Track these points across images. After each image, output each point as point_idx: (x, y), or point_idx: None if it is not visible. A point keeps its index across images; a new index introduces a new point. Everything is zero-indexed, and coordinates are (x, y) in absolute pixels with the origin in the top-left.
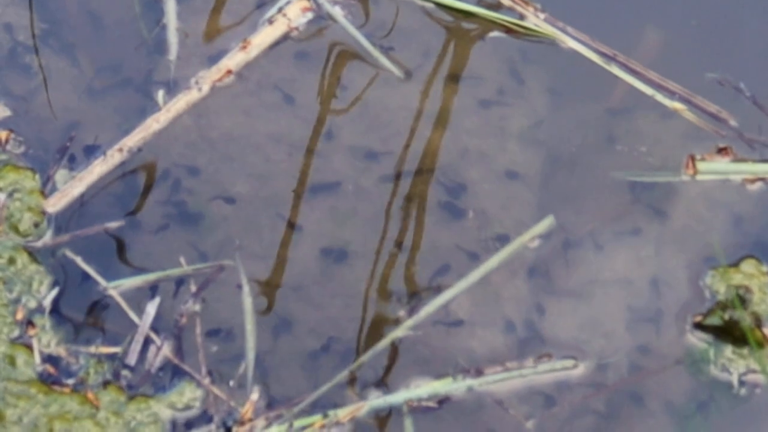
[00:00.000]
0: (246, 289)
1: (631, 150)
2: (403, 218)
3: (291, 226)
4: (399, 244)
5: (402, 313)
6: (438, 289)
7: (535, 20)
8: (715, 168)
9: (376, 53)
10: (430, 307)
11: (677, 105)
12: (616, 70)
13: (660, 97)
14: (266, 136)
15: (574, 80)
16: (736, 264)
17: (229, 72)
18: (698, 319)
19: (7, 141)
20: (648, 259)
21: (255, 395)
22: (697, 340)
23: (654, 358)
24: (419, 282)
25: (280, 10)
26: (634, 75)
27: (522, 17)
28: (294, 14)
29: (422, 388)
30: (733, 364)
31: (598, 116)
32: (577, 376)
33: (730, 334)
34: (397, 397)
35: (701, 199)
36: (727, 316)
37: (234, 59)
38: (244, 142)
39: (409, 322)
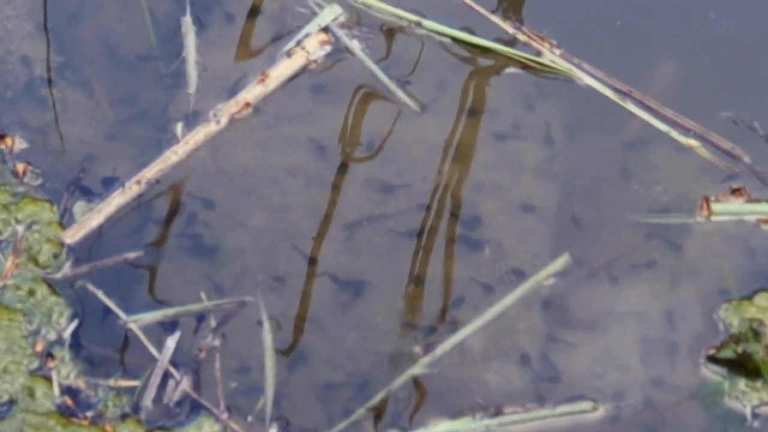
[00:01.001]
0: (266, 326)
1: (646, 188)
2: (418, 251)
3: (307, 259)
4: (415, 277)
5: (418, 349)
6: (454, 323)
7: (551, 56)
8: (729, 209)
9: (393, 87)
10: (446, 345)
11: (692, 142)
12: (631, 107)
13: (675, 134)
14: (282, 169)
15: (589, 114)
16: (749, 297)
17: (248, 105)
18: (712, 352)
19: (24, 173)
20: (662, 292)
21: (273, 431)
22: (711, 373)
23: (668, 391)
24: (435, 315)
25: (298, 43)
26: (649, 111)
27: (538, 53)
28: (312, 47)
29: (440, 427)
30: (747, 397)
31: (613, 150)
32: (592, 411)
33: (743, 367)
34: None
35: (716, 233)
36: (740, 349)
37: (252, 92)
38: (260, 175)
39: (425, 360)
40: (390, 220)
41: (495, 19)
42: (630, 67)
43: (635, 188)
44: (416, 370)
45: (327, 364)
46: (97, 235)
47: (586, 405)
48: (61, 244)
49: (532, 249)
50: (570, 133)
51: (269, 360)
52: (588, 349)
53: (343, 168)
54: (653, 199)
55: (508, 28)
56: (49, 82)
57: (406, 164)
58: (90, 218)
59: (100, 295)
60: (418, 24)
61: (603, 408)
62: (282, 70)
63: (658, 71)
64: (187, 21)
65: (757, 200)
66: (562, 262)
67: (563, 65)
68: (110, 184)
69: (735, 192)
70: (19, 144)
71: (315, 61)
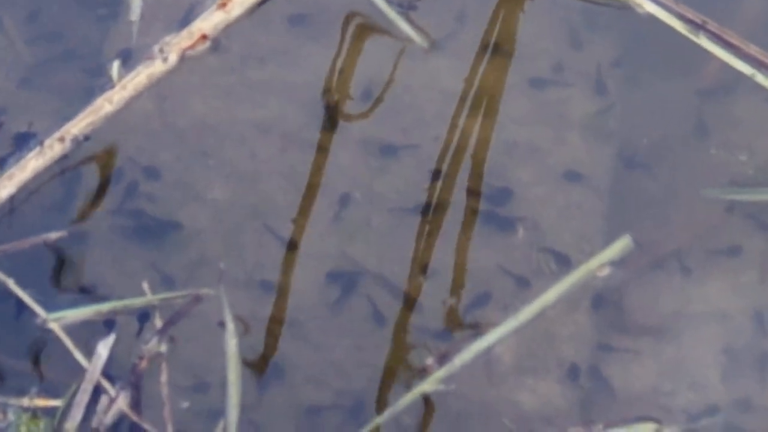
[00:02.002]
0: (230, 327)
1: (728, 152)
2: (430, 233)
3: (284, 243)
4: (425, 267)
5: (430, 361)
6: (476, 327)
7: None
8: None
9: (393, 15)
10: (467, 354)
11: None
12: (705, 43)
13: (761, 78)
14: (252, 126)
15: (653, 54)
16: None
17: (204, 37)
18: None
19: None
20: (750, 287)
21: None
22: None
23: (758, 415)
24: (452, 317)
25: None
26: (729, 49)
27: None
28: None
29: None
30: None
31: (685, 101)
32: None
33: None
34: None
35: None
36: None
37: (210, 21)
38: (222, 133)
39: (440, 373)
40: (393, 193)
41: None
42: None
43: (713, 153)
44: (428, 386)
45: (310, 380)
46: (8, 210)
47: (647, 428)
48: None
49: (580, 230)
50: (628, 79)
51: (233, 372)
52: (653, 362)
53: (331, 124)
54: (737, 166)
55: None
56: None
57: (413, 119)
58: None
59: (12, 285)
60: None
61: (668, 430)
62: None
63: (743, 3)
64: None
65: None
66: (621, 246)
67: None
68: (25, 142)
69: None
70: None
71: None
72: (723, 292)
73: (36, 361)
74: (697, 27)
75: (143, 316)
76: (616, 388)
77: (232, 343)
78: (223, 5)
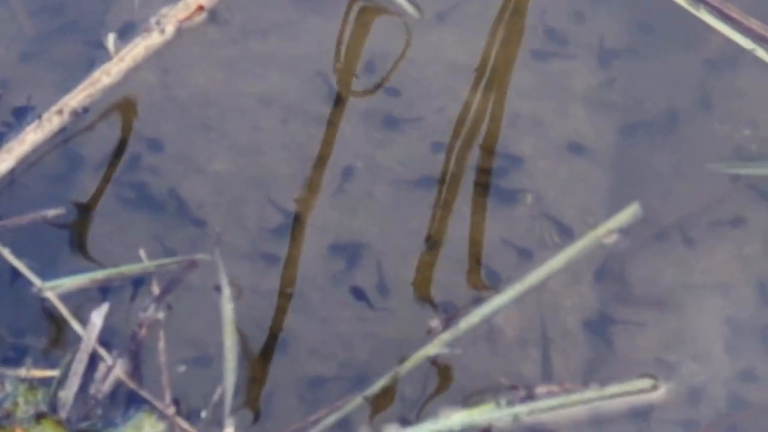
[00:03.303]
0: (226, 292)
1: (733, 125)
2: (433, 205)
3: (287, 215)
4: (428, 239)
5: (435, 323)
6: (479, 298)
7: None
8: None
9: None
10: (472, 317)
11: None
12: (705, 16)
13: (762, 53)
14: (254, 98)
15: (656, 26)
16: None
17: (201, 8)
18: None
19: None
20: (754, 258)
21: (231, 429)
22: None
23: (761, 387)
24: (455, 288)
25: None
26: (729, 22)
27: None
28: None
29: (454, 418)
30: None
31: (688, 73)
32: (660, 410)
33: None
34: (423, 431)
35: None
36: None
37: None
38: (224, 106)
39: (445, 336)
40: (396, 165)
41: None
42: None
43: (717, 127)
44: (432, 349)
45: (313, 352)
46: (8, 183)
47: (643, 383)
48: None
49: (583, 202)
50: (631, 50)
51: (229, 337)
52: (656, 333)
53: (334, 96)
54: (740, 140)
55: None
56: None
57: (418, 91)
58: None
59: (6, 254)
60: None
61: (666, 387)
62: None
63: None
64: None
65: None
66: (630, 213)
67: None
68: (23, 114)
69: None
70: None
71: None
72: (726, 263)
73: (32, 331)
74: (698, 0)
75: (139, 283)
76: (619, 360)
77: (228, 308)
78: None
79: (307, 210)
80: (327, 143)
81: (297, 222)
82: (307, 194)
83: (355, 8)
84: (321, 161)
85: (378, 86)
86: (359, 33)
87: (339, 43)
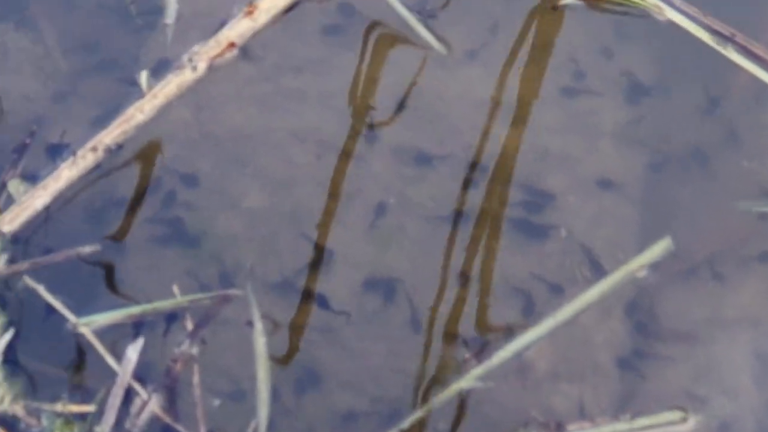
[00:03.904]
0: (259, 326)
1: (760, 162)
2: (464, 240)
3: (319, 249)
4: (460, 274)
5: (467, 356)
6: (511, 333)
7: None
8: None
9: (412, 21)
10: (505, 351)
11: None
12: (734, 55)
13: None
14: (288, 133)
15: (683, 62)
16: None
17: (232, 45)
18: None
19: None
20: None
21: None
22: None
23: None
24: (487, 323)
25: None
26: (756, 61)
27: None
28: None
29: None
30: None
31: (714, 109)
32: None
33: None
34: None
35: None
36: None
37: (237, 29)
38: (258, 141)
39: (477, 370)
40: (428, 200)
41: None
42: (736, 6)
43: (745, 164)
44: (465, 383)
45: (346, 386)
46: (43, 220)
47: (673, 416)
48: None
49: (613, 238)
50: (659, 88)
51: (262, 370)
52: (685, 367)
53: (366, 132)
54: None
55: None
56: None
57: (447, 128)
58: (33, 198)
59: (42, 291)
60: None
61: (695, 419)
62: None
63: None
64: None
65: None
66: (661, 247)
67: None
68: (58, 151)
69: None
70: None
71: None
72: (755, 298)
73: (68, 367)
74: (726, 39)
75: (173, 318)
76: (649, 394)
77: (260, 342)
78: (249, 13)
79: (340, 245)
80: (359, 179)
81: (330, 257)
82: (339, 229)
83: (385, 45)
84: (353, 197)
85: (409, 123)
86: (390, 70)
87: (370, 79)
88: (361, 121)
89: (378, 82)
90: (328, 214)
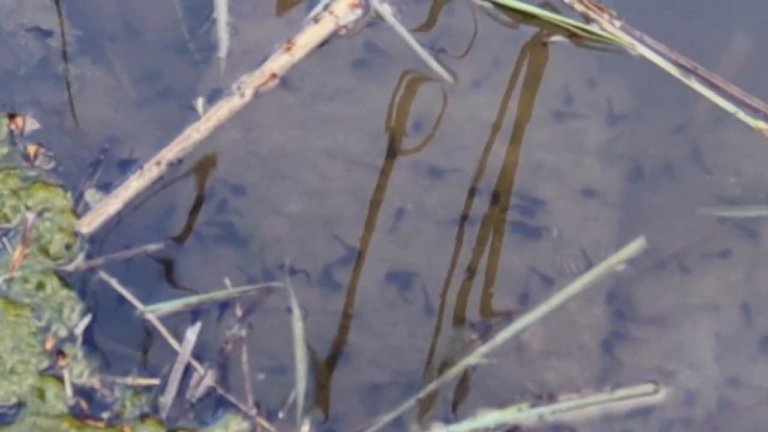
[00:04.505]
0: (296, 312)
1: (720, 174)
2: (470, 240)
3: (348, 248)
4: (467, 268)
5: (473, 337)
6: (510, 317)
7: (610, 28)
8: None
9: (425, 56)
10: (505, 333)
11: (761, 124)
12: (696, 85)
13: (743, 115)
14: (322, 152)
15: (655, 91)
16: None
17: (274, 76)
18: None
19: (35, 156)
20: (738, 284)
21: (306, 428)
22: None
23: (746, 391)
24: (490, 309)
25: (326, 7)
26: (716, 90)
27: (588, 21)
28: (341, 11)
29: (489, 417)
30: None
31: (681, 130)
32: (660, 410)
33: None
34: (463, 428)
35: None
36: None
37: (278, 62)
38: (297, 158)
39: (483, 349)
40: (440, 207)
41: None
42: (698, 42)
43: (707, 177)
44: (472, 359)
45: (371, 362)
46: (116, 223)
47: (647, 388)
48: (75, 234)
49: (596, 237)
50: (635, 112)
51: (300, 350)
52: (657, 346)
53: (388, 150)
54: (727, 184)
55: None
56: (65, 57)
57: (456, 145)
58: (107, 204)
59: (115, 284)
60: None
61: (665, 391)
62: (309, 36)
63: (729, 45)
64: None
65: None
66: (636, 245)
67: (620, 35)
68: (128, 166)
69: None
70: (31, 124)
71: (345, 27)
72: (715, 288)
73: (137, 347)
74: (689, 71)
75: (225, 306)
76: (626, 369)
77: (298, 326)
78: (288, 49)
79: (366, 245)
80: (382, 189)
81: (357, 255)
82: (365, 231)
83: (405, 78)
84: (377, 204)
85: (424, 142)
86: (408, 97)
87: (391, 105)
88: (384, 141)
89: (398, 108)
90: (356, 219)
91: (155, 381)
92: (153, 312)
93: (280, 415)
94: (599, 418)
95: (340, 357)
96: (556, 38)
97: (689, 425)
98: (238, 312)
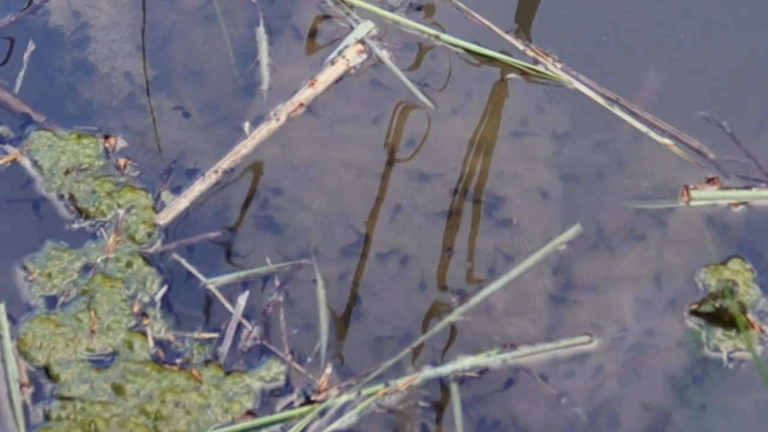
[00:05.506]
0: (320, 282)
1: (638, 178)
2: (450, 228)
3: (360, 235)
4: (448, 249)
5: (454, 300)
6: (481, 287)
7: (553, 68)
8: (705, 195)
9: (414, 89)
10: (477, 297)
11: (666, 141)
12: (617, 111)
13: (653, 134)
14: (339, 162)
15: (587, 115)
16: (724, 262)
17: (301, 104)
18: (694, 307)
19: (125, 167)
20: (651, 260)
21: (329, 369)
22: (693, 324)
23: (657, 339)
24: (466, 279)
25: (340, 53)
26: (633, 116)
27: (535, 62)
28: (351, 56)
29: (465, 361)
30: (723, 344)
31: (608, 145)
32: (594, 355)
33: (720, 319)
34: (446, 369)
35: (695, 212)
36: (717, 305)
37: (304, 94)
38: (320, 167)
39: (461, 309)
40: (427, 203)
41: (509, 38)
42: (620, 78)
43: (626, 182)
44: (453, 317)
45: (377, 321)
46: (184, 217)
47: (583, 338)
48: (154, 225)
49: (545, 225)
50: (573, 132)
51: (323, 311)
52: (590, 307)
53: (388, 161)
54: (642, 187)
55: (519, 45)
56: (147, 92)
57: (440, 157)
58: (178, 203)
59: (184, 262)
60: (437, 37)
61: (597, 341)
62: (327, 75)
63: (644, 82)
64: (261, 30)
65: (727, 188)
66: (574, 231)
67: (559, 74)
68: (193, 174)
69: (710, 181)
70: (121, 143)
71: (354, 68)
72: (634, 263)
73: (201, 309)
74: (612, 101)
75: (267, 278)
76: (568, 324)
77: (321, 293)
78: (312, 84)
79: (372, 231)
80: (384, 190)
81: (365, 239)
82: (371, 222)
83: (400, 106)
84: (380, 201)
85: (414, 154)
86: (402, 121)
87: (390, 127)
88: (385, 154)
89: (395, 129)
90: (364, 212)
91: (215, 335)
92: (213, 283)
93: (309, 360)
94: (548, 362)
95: (353, 316)
96: (513, 75)
97: (616, 365)
98: (277, 283)
